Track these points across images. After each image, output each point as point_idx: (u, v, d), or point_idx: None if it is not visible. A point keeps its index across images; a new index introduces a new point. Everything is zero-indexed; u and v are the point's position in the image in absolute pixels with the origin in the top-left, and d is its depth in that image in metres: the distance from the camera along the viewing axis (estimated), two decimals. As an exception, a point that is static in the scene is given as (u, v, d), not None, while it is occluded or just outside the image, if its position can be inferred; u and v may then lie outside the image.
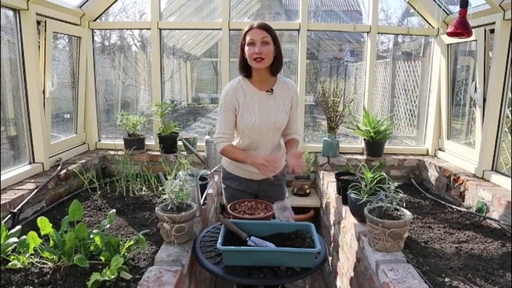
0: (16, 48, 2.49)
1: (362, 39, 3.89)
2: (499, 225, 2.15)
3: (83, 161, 2.99)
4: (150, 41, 3.46)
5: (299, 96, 2.15)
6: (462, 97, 3.17)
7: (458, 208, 2.45)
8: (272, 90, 2.01)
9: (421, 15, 3.33)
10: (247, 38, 1.89)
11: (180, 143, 3.31)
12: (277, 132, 2.07)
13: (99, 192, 2.66)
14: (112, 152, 3.29)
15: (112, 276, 1.44)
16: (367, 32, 3.36)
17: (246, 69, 1.98)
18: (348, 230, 2.18)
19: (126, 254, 1.64)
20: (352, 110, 3.61)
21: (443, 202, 2.62)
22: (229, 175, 2.20)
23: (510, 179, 2.36)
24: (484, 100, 2.67)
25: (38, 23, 2.63)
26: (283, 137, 2.18)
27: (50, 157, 2.75)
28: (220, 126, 2.01)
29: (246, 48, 1.90)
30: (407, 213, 1.67)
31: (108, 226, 1.81)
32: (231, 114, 1.99)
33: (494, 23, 2.53)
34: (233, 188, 2.18)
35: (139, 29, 3.86)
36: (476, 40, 2.75)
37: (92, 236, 1.63)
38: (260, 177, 2.09)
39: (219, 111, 2.03)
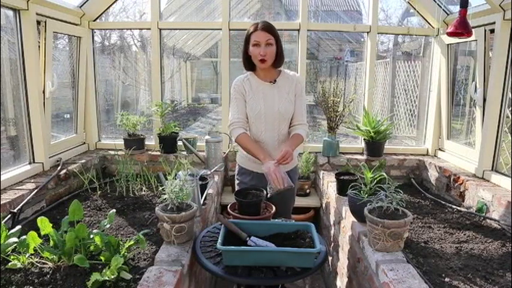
0: (16, 48, 2.49)
1: (362, 39, 3.89)
2: (499, 225, 2.15)
3: (83, 161, 2.99)
4: (150, 41, 3.46)
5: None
6: (462, 97, 3.17)
7: (458, 208, 2.45)
8: (275, 81, 2.14)
9: (421, 15, 3.33)
10: (252, 39, 2.02)
11: (180, 143, 3.31)
12: (283, 121, 2.15)
13: (99, 192, 2.66)
14: (112, 152, 3.29)
15: (112, 276, 1.44)
16: (367, 32, 3.36)
17: (249, 64, 2.13)
18: (348, 230, 2.18)
19: (126, 254, 1.64)
20: (352, 110, 3.61)
21: (443, 202, 2.62)
22: (243, 170, 2.27)
23: (510, 179, 2.36)
24: (484, 100, 2.67)
25: (38, 23, 2.63)
26: (290, 129, 2.20)
27: (50, 157, 2.75)
28: (233, 112, 2.15)
29: (251, 48, 2.04)
30: (408, 213, 1.67)
31: (108, 226, 1.80)
32: (242, 101, 2.13)
33: (494, 23, 2.53)
34: (246, 183, 2.24)
35: (139, 29, 3.85)
36: (476, 40, 2.75)
37: (92, 236, 1.63)
38: None
39: (231, 101, 2.19)
